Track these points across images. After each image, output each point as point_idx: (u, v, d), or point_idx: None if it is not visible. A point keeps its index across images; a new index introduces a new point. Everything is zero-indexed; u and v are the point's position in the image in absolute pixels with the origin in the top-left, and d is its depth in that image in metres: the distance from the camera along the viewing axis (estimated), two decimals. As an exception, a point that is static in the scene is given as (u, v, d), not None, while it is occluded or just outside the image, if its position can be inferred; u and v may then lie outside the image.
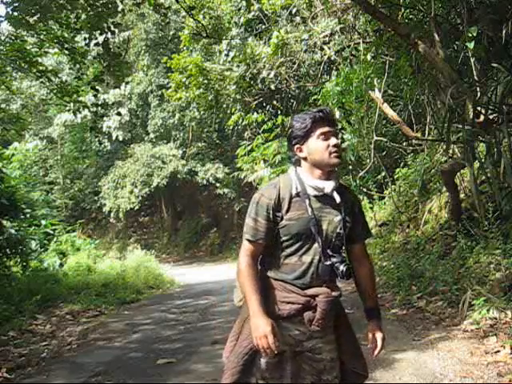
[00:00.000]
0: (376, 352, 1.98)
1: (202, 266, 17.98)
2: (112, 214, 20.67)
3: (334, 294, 1.90)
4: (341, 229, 1.89)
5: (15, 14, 6.41)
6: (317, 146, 1.90)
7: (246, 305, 1.87)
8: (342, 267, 1.85)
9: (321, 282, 1.88)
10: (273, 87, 8.29)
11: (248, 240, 1.91)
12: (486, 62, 5.51)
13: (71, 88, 8.00)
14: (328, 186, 1.89)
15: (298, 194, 1.89)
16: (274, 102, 8.74)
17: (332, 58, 8.11)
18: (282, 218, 1.87)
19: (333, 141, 1.90)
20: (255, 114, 9.77)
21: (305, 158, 1.93)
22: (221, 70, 9.34)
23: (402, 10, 6.58)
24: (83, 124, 18.95)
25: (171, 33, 20.78)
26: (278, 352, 1.79)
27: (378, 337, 1.97)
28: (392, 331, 4.68)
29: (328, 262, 1.86)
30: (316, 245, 1.86)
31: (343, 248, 1.95)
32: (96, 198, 22.39)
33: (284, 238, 1.88)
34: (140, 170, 20.12)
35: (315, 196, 1.89)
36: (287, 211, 1.87)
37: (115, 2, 6.70)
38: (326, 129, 1.90)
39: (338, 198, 1.90)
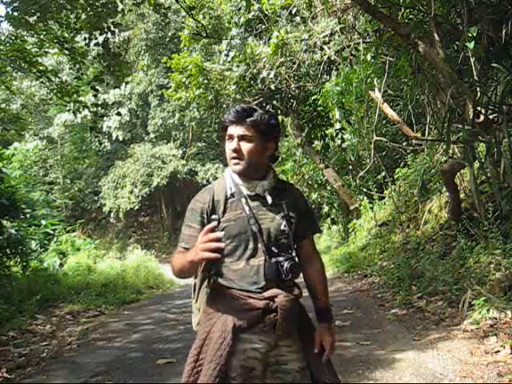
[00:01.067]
0: (324, 358, 1.81)
1: (202, 265, 17.93)
2: (112, 214, 20.69)
3: (294, 293, 1.80)
4: (285, 226, 1.80)
5: (15, 13, 6.41)
6: (226, 149, 1.84)
7: (201, 322, 1.81)
8: (286, 264, 1.74)
9: (276, 283, 1.75)
10: (273, 87, 8.27)
11: (184, 248, 1.79)
12: (486, 62, 5.51)
13: (71, 88, 8.01)
14: (259, 187, 1.80)
15: (232, 195, 1.81)
16: (274, 102, 8.73)
17: (332, 58, 8.10)
18: (219, 222, 1.77)
19: (231, 145, 1.79)
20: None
21: None
22: (221, 70, 9.34)
23: (402, 10, 6.58)
24: (83, 124, 18.96)
25: (171, 33, 20.79)
26: (246, 366, 1.71)
27: (326, 341, 1.82)
28: (392, 331, 4.69)
29: (273, 261, 1.74)
30: (260, 245, 1.76)
31: (292, 246, 1.82)
32: (96, 198, 22.41)
33: (226, 242, 1.74)
34: (140, 170, 20.13)
35: (250, 196, 1.81)
36: (224, 213, 1.79)
37: (115, 2, 6.71)
38: (231, 130, 1.80)
39: (269, 200, 1.80)
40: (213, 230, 1.62)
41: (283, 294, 1.75)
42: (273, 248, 1.77)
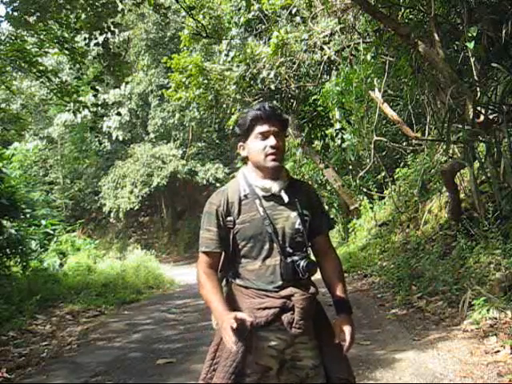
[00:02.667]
0: (346, 347, 1.79)
1: (202, 265, 17.93)
2: (112, 214, 20.68)
3: (310, 291, 1.80)
4: (299, 224, 1.81)
5: (15, 13, 6.41)
6: (254, 146, 1.82)
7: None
8: (302, 263, 1.75)
9: (293, 281, 1.76)
10: (273, 87, 8.26)
11: (204, 252, 1.85)
12: (486, 62, 5.51)
13: (71, 88, 8.00)
14: (275, 186, 1.81)
15: (246, 196, 1.82)
16: (274, 102, 8.73)
17: (332, 58, 8.10)
18: (234, 223, 1.80)
19: (270, 141, 1.79)
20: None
21: (247, 158, 1.87)
22: (221, 70, 9.33)
23: (402, 10, 6.58)
24: (83, 124, 18.95)
25: (171, 33, 20.80)
26: (262, 363, 1.73)
27: (346, 330, 1.79)
28: (392, 331, 4.69)
29: (289, 261, 1.76)
30: (275, 245, 1.78)
31: (307, 244, 1.84)
32: (96, 197, 22.41)
33: (242, 243, 1.80)
34: (140, 170, 20.13)
35: (264, 196, 1.82)
36: (238, 215, 1.80)
37: (115, 2, 6.70)
38: (264, 128, 1.80)
39: (285, 198, 1.81)
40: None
41: (300, 293, 1.76)
42: (288, 247, 1.79)
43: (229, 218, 1.81)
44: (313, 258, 1.90)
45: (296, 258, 1.76)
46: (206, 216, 1.86)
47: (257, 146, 1.81)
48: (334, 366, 1.81)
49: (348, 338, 1.79)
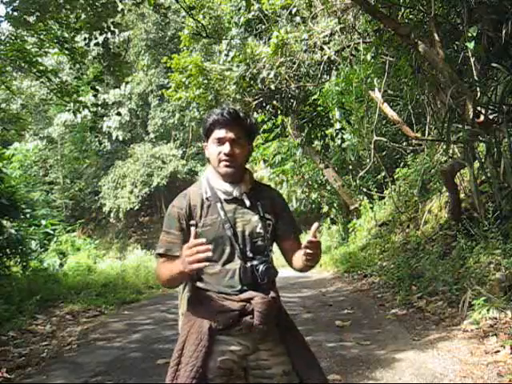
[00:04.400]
0: (303, 249, 1.63)
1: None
2: (112, 214, 20.70)
3: (270, 295, 1.76)
4: (260, 228, 1.78)
5: (15, 13, 6.41)
6: (211, 151, 1.80)
7: (182, 325, 1.81)
8: (261, 267, 1.73)
9: (252, 286, 1.74)
10: (273, 87, 8.27)
11: (161, 254, 1.80)
12: (486, 62, 5.51)
13: (71, 88, 8.01)
14: (236, 190, 1.79)
15: (208, 199, 1.80)
16: (274, 102, 8.73)
17: (332, 58, 8.10)
18: (196, 226, 1.77)
19: (225, 148, 1.75)
20: (255, 114, 9.79)
21: (209, 159, 1.84)
22: (221, 70, 9.34)
23: (402, 10, 6.57)
24: (83, 124, 18.97)
25: (171, 33, 20.81)
26: (223, 368, 1.71)
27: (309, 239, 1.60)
28: (392, 331, 4.69)
29: (248, 265, 1.73)
30: (236, 249, 1.75)
31: (268, 248, 1.80)
32: (96, 197, 22.42)
33: None
34: (140, 170, 20.15)
35: (226, 199, 1.80)
36: (200, 218, 1.78)
37: (115, 2, 6.70)
38: (221, 133, 1.77)
39: (247, 202, 1.79)
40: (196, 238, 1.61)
41: (259, 296, 1.73)
42: (248, 252, 1.76)
43: (192, 222, 1.78)
44: (281, 261, 1.89)
45: (255, 262, 1.74)
46: (166, 218, 1.83)
47: (212, 151, 1.79)
48: (306, 371, 1.77)
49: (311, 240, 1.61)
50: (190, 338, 1.75)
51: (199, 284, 1.81)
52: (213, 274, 1.77)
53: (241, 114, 1.80)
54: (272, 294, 1.78)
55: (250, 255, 1.76)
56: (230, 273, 1.76)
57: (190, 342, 1.75)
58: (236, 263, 1.76)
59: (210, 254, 1.57)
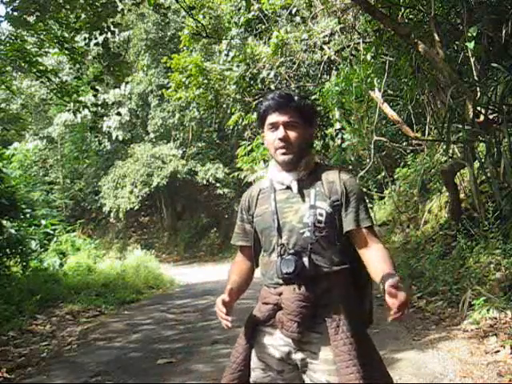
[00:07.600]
0: (388, 318, 1.56)
1: (202, 265, 17.97)
2: (112, 214, 20.67)
3: (301, 290, 1.61)
4: (308, 218, 1.64)
5: (15, 13, 6.41)
6: (267, 139, 1.73)
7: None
8: (303, 260, 1.62)
9: (288, 280, 1.63)
10: (273, 87, 8.28)
11: (236, 245, 1.89)
12: (486, 62, 5.51)
13: (71, 88, 8.00)
14: (287, 178, 1.70)
15: (264, 190, 1.79)
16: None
17: (332, 58, 8.11)
18: (253, 216, 1.78)
19: (279, 133, 1.66)
20: (255, 113, 9.80)
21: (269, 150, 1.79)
22: (221, 70, 9.35)
23: (402, 10, 6.58)
24: (83, 124, 18.96)
25: (171, 33, 20.79)
26: (263, 360, 1.70)
27: (392, 295, 1.55)
28: (392, 331, 4.68)
29: (288, 257, 1.63)
30: (280, 240, 1.68)
31: (313, 239, 1.65)
32: (96, 197, 22.40)
33: (259, 237, 1.78)
34: (140, 170, 20.12)
35: (281, 189, 1.73)
36: (255, 208, 1.79)
37: (115, 2, 6.70)
38: (274, 118, 1.68)
39: (295, 189, 1.69)
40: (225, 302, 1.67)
41: (288, 291, 1.63)
42: (290, 243, 1.66)
43: (250, 213, 1.81)
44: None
45: (296, 255, 1.63)
46: (238, 210, 1.90)
47: (268, 138, 1.72)
48: None
49: (395, 304, 1.55)
50: (242, 330, 1.80)
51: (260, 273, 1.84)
52: (263, 265, 1.78)
53: (295, 97, 1.71)
54: (318, 290, 1.63)
55: (290, 247, 1.66)
56: (272, 264, 1.70)
57: (243, 331, 1.78)
58: (278, 254, 1.70)
59: (228, 324, 1.62)
